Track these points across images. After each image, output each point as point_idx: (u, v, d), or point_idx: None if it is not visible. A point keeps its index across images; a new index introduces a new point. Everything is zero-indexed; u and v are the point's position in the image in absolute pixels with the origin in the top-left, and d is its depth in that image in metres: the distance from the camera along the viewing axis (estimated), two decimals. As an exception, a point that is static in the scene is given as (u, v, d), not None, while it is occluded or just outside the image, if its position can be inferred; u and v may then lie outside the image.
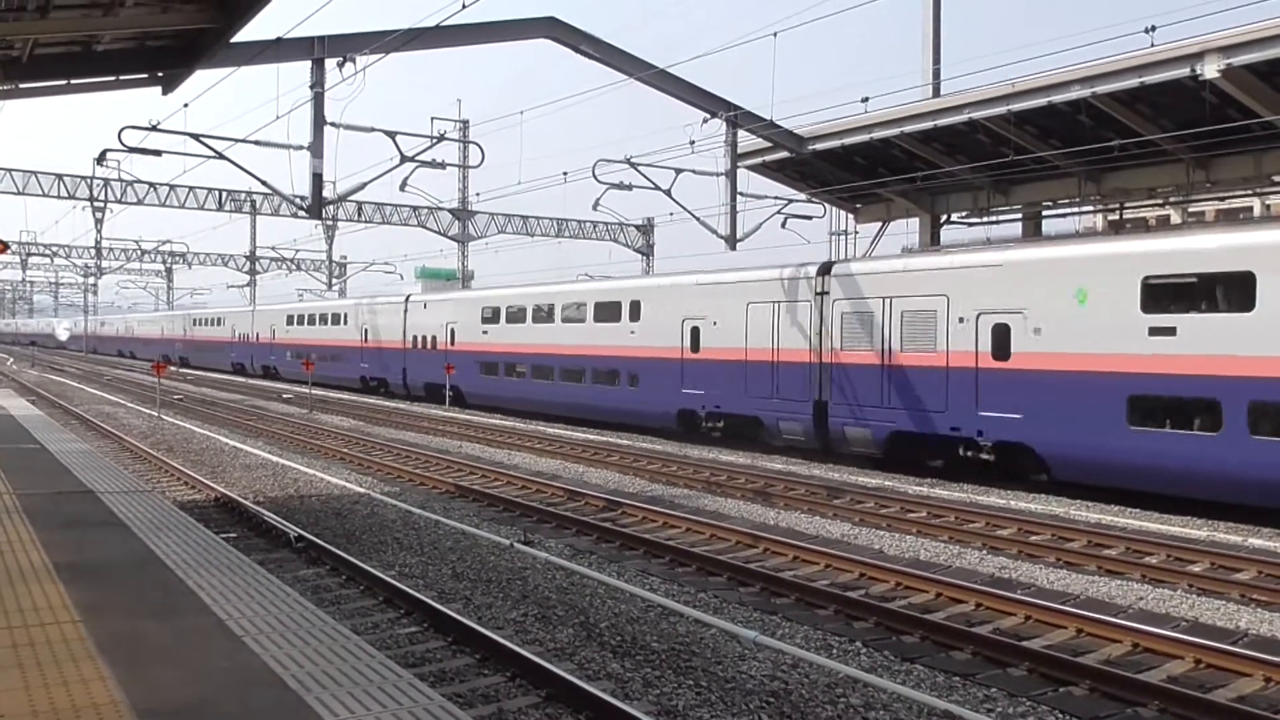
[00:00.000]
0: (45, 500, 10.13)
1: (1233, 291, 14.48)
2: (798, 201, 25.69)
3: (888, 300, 19.14)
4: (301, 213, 20.17)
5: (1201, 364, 14.49)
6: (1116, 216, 23.33)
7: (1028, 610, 9.51)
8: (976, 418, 17.58)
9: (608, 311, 26.80)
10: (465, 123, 44.17)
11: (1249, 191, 22.13)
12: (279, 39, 17.59)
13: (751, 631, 8.68)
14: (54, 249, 66.18)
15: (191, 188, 45.62)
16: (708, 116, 22.21)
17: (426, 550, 12.08)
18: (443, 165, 22.76)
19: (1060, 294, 16.37)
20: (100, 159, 21.77)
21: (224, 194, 46.89)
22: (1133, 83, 17.74)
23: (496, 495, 16.03)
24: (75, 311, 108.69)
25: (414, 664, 7.75)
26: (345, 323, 43.34)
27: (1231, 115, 17.58)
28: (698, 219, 23.68)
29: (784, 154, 24.36)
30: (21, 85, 16.60)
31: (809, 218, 25.95)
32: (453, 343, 34.46)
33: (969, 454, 17.81)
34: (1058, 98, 18.80)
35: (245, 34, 14.63)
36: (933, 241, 24.89)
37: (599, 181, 23.35)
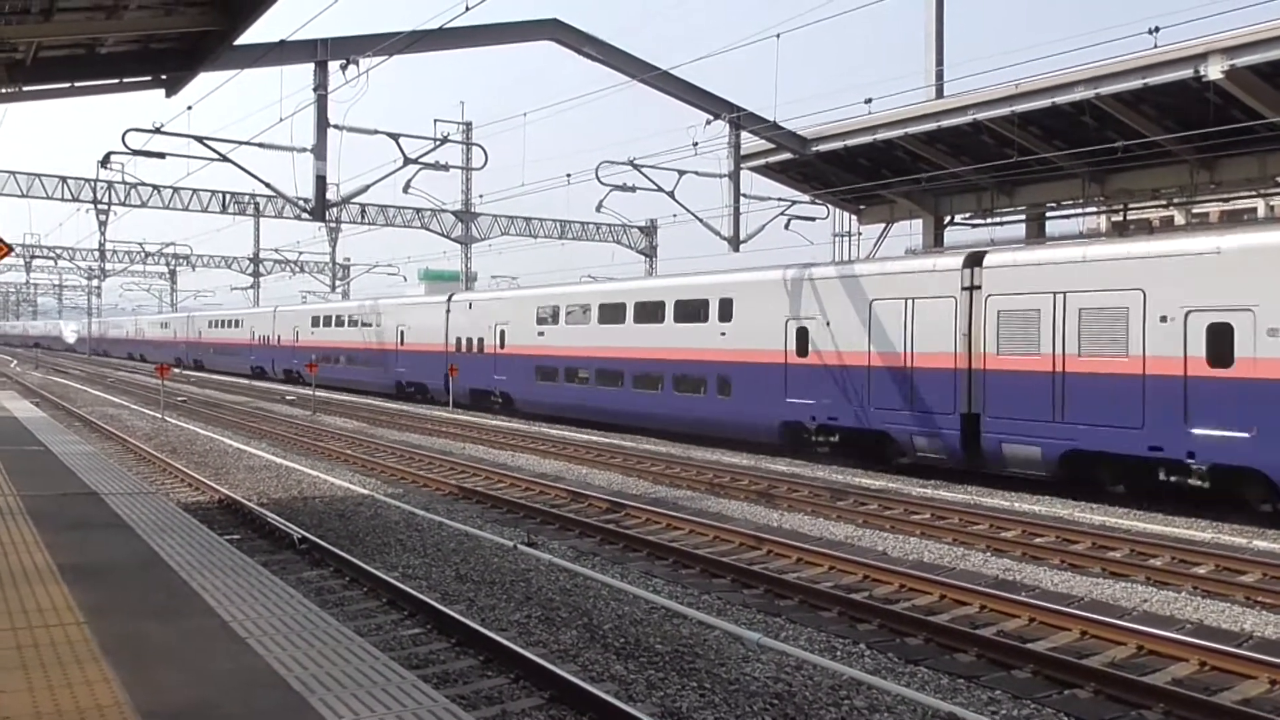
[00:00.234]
0: (49, 502, 10.14)
1: None
2: (801, 203, 25.69)
3: (1060, 295, 16.48)
4: (305, 215, 20.25)
5: None
6: (1120, 218, 23.28)
7: (1032, 612, 9.50)
8: (1185, 436, 14.87)
9: (691, 310, 24.13)
10: (468, 125, 44.22)
11: (1253, 193, 22.11)
12: (282, 42, 17.61)
13: (755, 633, 8.67)
14: (58, 251, 66.34)
15: (195, 190, 45.71)
16: (711, 118, 22.21)
17: (430, 552, 12.08)
18: (446, 167, 22.78)
19: None
20: (104, 161, 21.81)
21: (227, 196, 46.97)
22: (1136, 84, 17.72)
23: (500, 497, 16.03)
24: (79, 314, 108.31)
25: (418, 666, 7.74)
26: (379, 324, 40.76)
27: (1235, 116, 17.56)
28: (701, 221, 23.67)
29: (787, 155, 24.35)
30: (25, 88, 16.65)
31: (812, 219, 25.96)
32: (503, 345, 31.79)
33: (1172, 479, 15.25)
34: (1061, 99, 18.78)
35: (249, 37, 14.69)
36: (936, 243, 24.88)
37: (602, 183, 23.36)
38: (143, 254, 65.85)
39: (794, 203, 25.33)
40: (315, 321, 47.48)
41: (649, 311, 25.53)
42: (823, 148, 23.45)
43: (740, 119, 22.54)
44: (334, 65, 18.19)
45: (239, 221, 51.91)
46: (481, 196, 47.57)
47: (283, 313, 52.20)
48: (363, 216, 49.24)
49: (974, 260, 17.91)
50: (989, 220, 24.59)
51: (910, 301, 18.80)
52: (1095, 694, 7.53)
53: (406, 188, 23.85)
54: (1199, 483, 14.90)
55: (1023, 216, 24.18)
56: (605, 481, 18.37)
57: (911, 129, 21.56)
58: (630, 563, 11.88)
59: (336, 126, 18.97)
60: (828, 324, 20.46)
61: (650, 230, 50.98)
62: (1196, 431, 14.80)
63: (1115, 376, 15.75)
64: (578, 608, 9.59)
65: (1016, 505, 15.86)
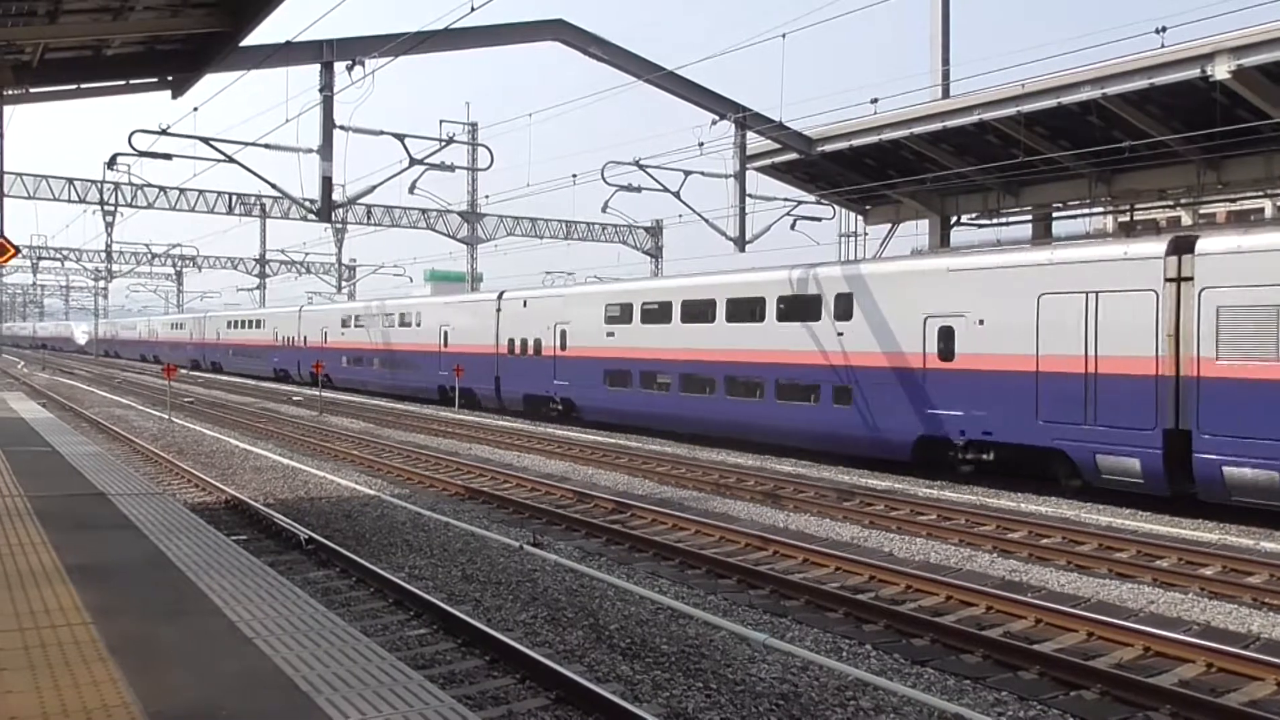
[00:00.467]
0: (57, 502, 10.17)
1: None
2: (807, 203, 25.68)
3: None
4: (311, 216, 20.22)
5: None
6: (1127, 218, 23.24)
7: (1038, 613, 9.48)
8: None
9: (799, 307, 21.33)
10: (474, 125, 44.29)
11: (1260, 193, 22.06)
12: (288, 42, 17.64)
13: (761, 634, 8.67)
14: (64, 253, 66.62)
15: (201, 191, 45.86)
16: (716, 118, 22.20)
17: (436, 552, 12.10)
18: (452, 168, 22.79)
19: None
20: (110, 163, 21.84)
21: (233, 197, 47.12)
22: (1143, 84, 17.70)
23: (506, 497, 16.04)
24: (86, 315, 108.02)
25: (424, 666, 7.75)
26: (418, 324, 37.88)
27: (1242, 116, 17.52)
28: (707, 221, 23.66)
29: (793, 155, 24.35)
30: (32, 89, 16.71)
31: (818, 219, 25.93)
32: (564, 347, 28.84)
33: None
34: (1068, 99, 18.76)
35: (254, 38, 14.72)
36: (942, 243, 24.87)
37: (608, 184, 23.34)
38: (149, 255, 66.05)
39: (800, 203, 25.32)
40: (346, 321, 44.55)
41: (746, 308, 22.68)
42: (828, 148, 23.45)
43: (746, 119, 22.54)
44: (340, 66, 18.20)
45: (245, 222, 52.15)
46: (487, 197, 47.76)
47: (310, 313, 49.32)
48: (368, 217, 49.35)
49: (1182, 246, 15.24)
50: (995, 220, 24.58)
51: (1093, 296, 16.03)
52: (1102, 695, 7.52)
53: (412, 188, 23.86)
54: None
55: (1029, 217, 24.17)
56: (611, 482, 18.37)
57: (917, 129, 21.55)
58: (636, 563, 11.88)
59: (342, 127, 18.98)
60: (980, 322, 17.61)
61: (656, 231, 51.01)
62: None
63: None
64: (584, 608, 9.59)
65: (1023, 506, 15.84)
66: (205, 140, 20.04)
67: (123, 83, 16.70)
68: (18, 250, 16.85)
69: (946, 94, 23.94)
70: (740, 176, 22.80)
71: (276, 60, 17.67)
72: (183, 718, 4.55)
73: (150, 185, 43.67)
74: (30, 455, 14.22)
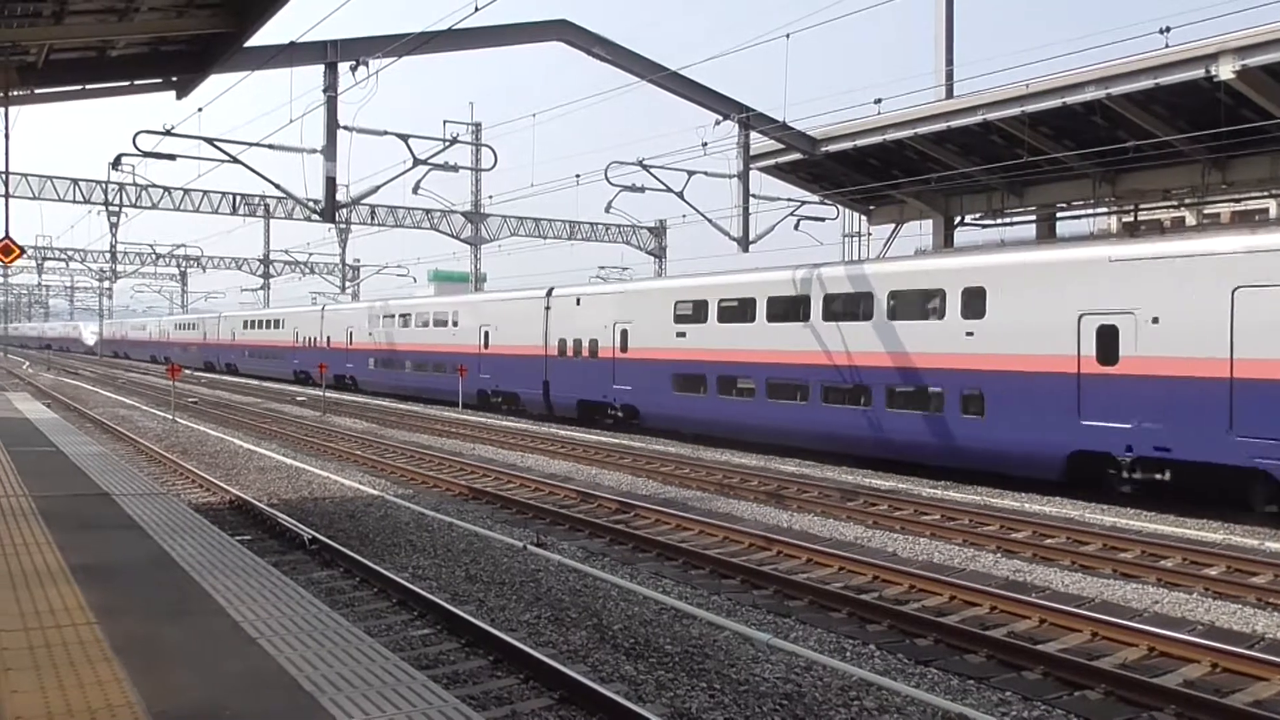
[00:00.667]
0: (61, 503, 10.19)
1: None
2: (811, 203, 25.67)
3: None
4: (315, 216, 20.21)
5: None
6: (1131, 219, 23.22)
7: (1042, 614, 9.47)
8: None
9: (918, 304, 19.14)
10: (478, 126, 44.32)
11: (1265, 193, 22.02)
12: (292, 43, 17.66)
13: (765, 634, 8.67)
14: (69, 253, 66.79)
15: (205, 192, 45.91)
16: (720, 118, 22.20)
17: (440, 552, 12.10)
18: (455, 168, 22.81)
19: None
20: (115, 163, 21.89)
21: (238, 198, 47.16)
22: (1147, 84, 17.68)
23: (509, 498, 16.05)
24: (90, 315, 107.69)
25: (428, 666, 7.75)
26: (455, 324, 35.77)
27: (1247, 116, 17.50)
28: (710, 221, 23.67)
29: (796, 156, 24.35)
30: (37, 90, 16.75)
31: (822, 219, 25.93)
32: (625, 348, 26.70)
33: None
34: (1072, 99, 18.75)
35: (258, 38, 14.75)
36: (946, 244, 24.85)
37: (611, 184, 23.36)
38: (154, 255, 66.20)
39: (803, 203, 25.31)
40: (374, 321, 42.38)
41: (849, 306, 20.37)
42: (832, 148, 23.45)
43: (749, 119, 22.54)
44: (344, 66, 18.23)
45: (249, 223, 52.16)
46: (491, 197, 47.76)
47: (334, 312, 47.29)
48: (372, 218, 49.39)
49: None
50: (999, 221, 24.56)
51: None
52: (1106, 695, 7.51)
53: (416, 189, 23.92)
54: None
55: (1033, 217, 24.15)
56: (614, 482, 18.37)
57: (921, 129, 21.54)
58: (640, 563, 11.88)
59: (346, 128, 19.01)
60: (1154, 320, 15.34)
61: (659, 231, 51.02)
62: None
63: None
64: (587, 608, 9.59)
65: (1027, 506, 15.82)
66: (209, 141, 20.08)
67: (127, 84, 16.73)
68: (23, 251, 16.90)
69: (950, 94, 23.92)
70: (744, 176, 22.80)
71: (281, 61, 17.70)
72: (187, 718, 4.56)
73: (155, 186, 43.75)
74: (35, 455, 14.26)
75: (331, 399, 37.87)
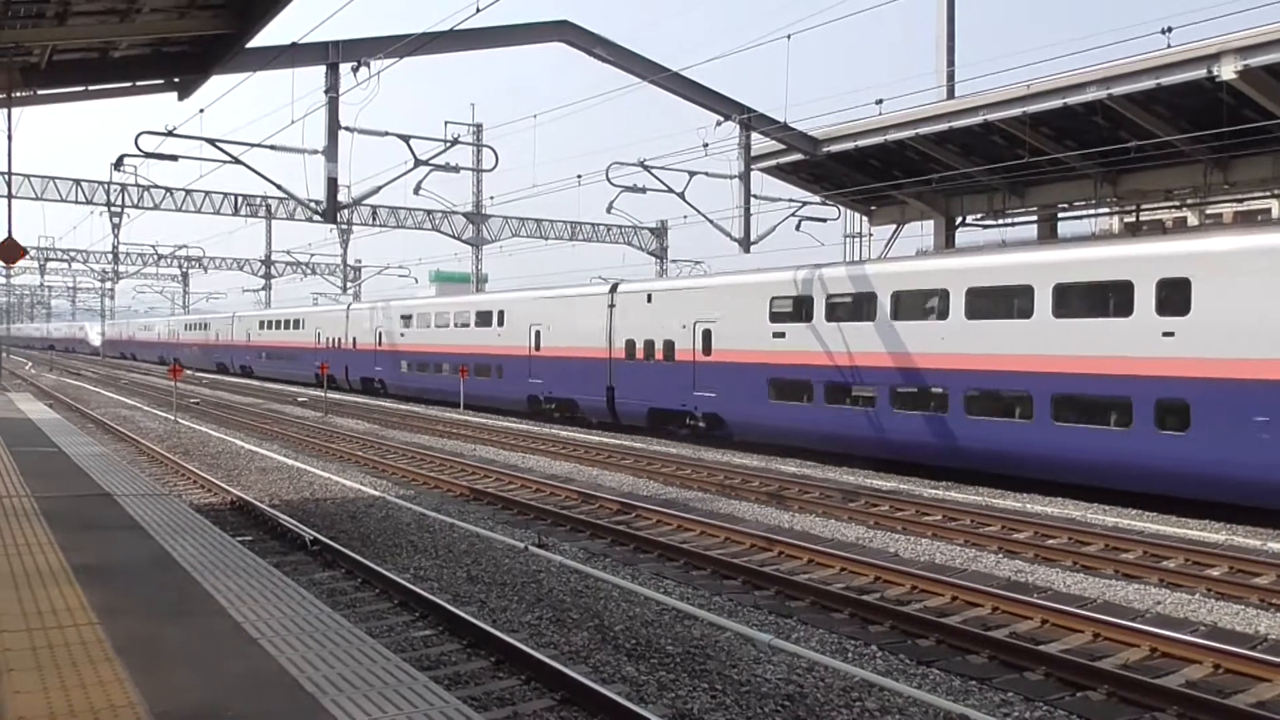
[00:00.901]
0: (63, 503, 10.19)
1: None
2: (812, 204, 25.67)
3: None
4: (316, 217, 20.25)
5: None
6: (1133, 219, 23.20)
7: (1044, 614, 9.46)
8: None
9: (1094, 298, 16.30)
10: (479, 126, 44.33)
11: (1267, 193, 22.00)
12: (294, 44, 17.68)
13: (766, 635, 8.67)
14: (71, 254, 66.86)
15: (207, 192, 45.92)
16: (721, 119, 22.20)
17: (441, 553, 12.11)
18: (456, 169, 22.85)
19: None
20: (117, 164, 21.91)
21: (239, 198, 47.18)
22: (1149, 84, 17.66)
23: (511, 498, 16.05)
24: (92, 316, 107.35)
25: (429, 667, 7.76)
26: (501, 324, 32.72)
27: (1249, 116, 17.49)
28: (711, 222, 23.67)
29: (798, 156, 24.34)
30: (40, 91, 16.78)
31: (823, 220, 25.93)
32: (708, 351, 24.00)
33: None
34: (1073, 99, 18.73)
35: (260, 39, 14.78)
36: (948, 244, 24.84)
37: (612, 184, 23.37)
38: (156, 256, 66.23)
39: (805, 204, 25.32)
40: (408, 320, 39.21)
41: (1001, 300, 17.55)
42: (834, 148, 23.44)
43: (751, 120, 22.54)
44: (345, 67, 18.24)
45: (251, 224, 52.18)
46: (492, 198, 47.73)
47: (360, 311, 44.25)
48: (374, 218, 49.39)
49: None
50: (1000, 221, 24.55)
51: None
52: (1108, 696, 7.50)
53: (417, 189, 23.96)
54: None
55: (1034, 217, 24.14)
56: (616, 483, 18.37)
57: (923, 130, 21.53)
58: (641, 564, 11.88)
59: (348, 128, 19.03)
60: None
61: (661, 231, 51.01)
62: None
63: None
64: (589, 609, 9.59)
65: (1029, 507, 15.81)
66: (211, 141, 20.10)
67: (129, 84, 16.77)
68: (25, 252, 16.93)
69: (952, 95, 23.92)
70: (745, 177, 22.80)
71: (282, 62, 17.72)
72: (188, 718, 4.56)
73: (157, 186, 43.75)
74: (37, 456, 14.26)
75: (333, 399, 37.87)
